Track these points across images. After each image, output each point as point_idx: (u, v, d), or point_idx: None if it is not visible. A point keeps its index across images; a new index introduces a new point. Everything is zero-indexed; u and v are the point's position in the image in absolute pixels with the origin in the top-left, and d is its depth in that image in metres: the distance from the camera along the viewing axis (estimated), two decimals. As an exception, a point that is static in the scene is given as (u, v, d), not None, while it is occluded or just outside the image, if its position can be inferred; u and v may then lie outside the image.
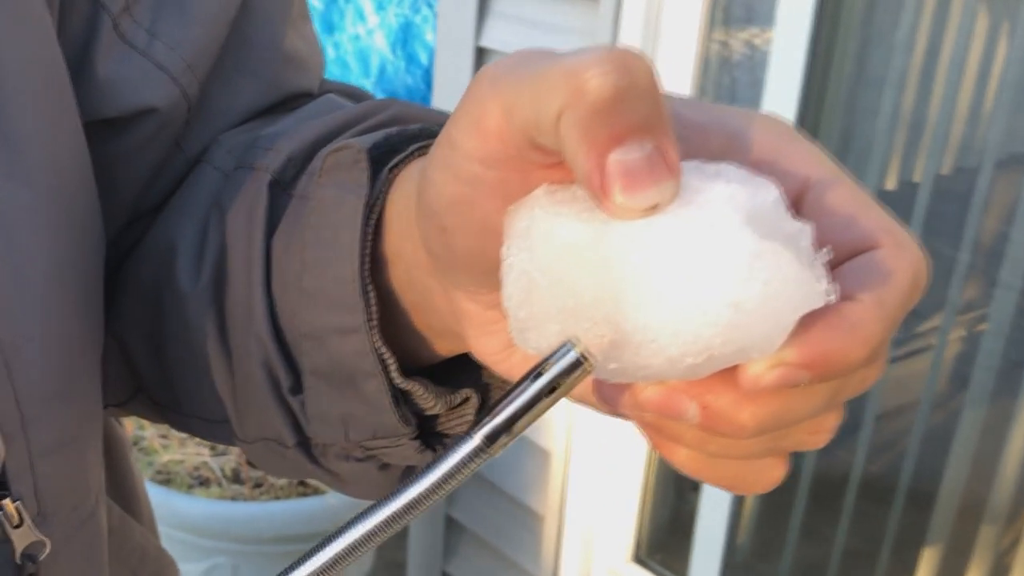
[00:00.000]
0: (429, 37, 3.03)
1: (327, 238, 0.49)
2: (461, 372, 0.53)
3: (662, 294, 0.34)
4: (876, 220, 0.36)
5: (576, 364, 0.36)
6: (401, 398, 0.50)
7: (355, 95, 0.63)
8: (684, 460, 0.39)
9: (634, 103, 0.34)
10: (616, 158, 0.33)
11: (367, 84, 3.05)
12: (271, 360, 0.52)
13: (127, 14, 0.54)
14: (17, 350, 0.47)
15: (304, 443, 0.54)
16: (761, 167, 0.37)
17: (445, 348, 0.51)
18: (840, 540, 2.00)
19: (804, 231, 0.35)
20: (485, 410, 0.37)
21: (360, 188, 0.48)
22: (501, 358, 0.45)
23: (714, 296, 0.33)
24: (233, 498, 2.09)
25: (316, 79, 0.63)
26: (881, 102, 1.77)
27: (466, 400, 0.52)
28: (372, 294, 0.48)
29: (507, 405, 0.36)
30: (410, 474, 0.53)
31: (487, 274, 0.40)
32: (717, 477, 0.39)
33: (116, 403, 0.63)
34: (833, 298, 0.34)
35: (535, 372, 0.36)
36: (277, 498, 2.06)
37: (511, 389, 0.36)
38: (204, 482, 2.15)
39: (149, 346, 0.58)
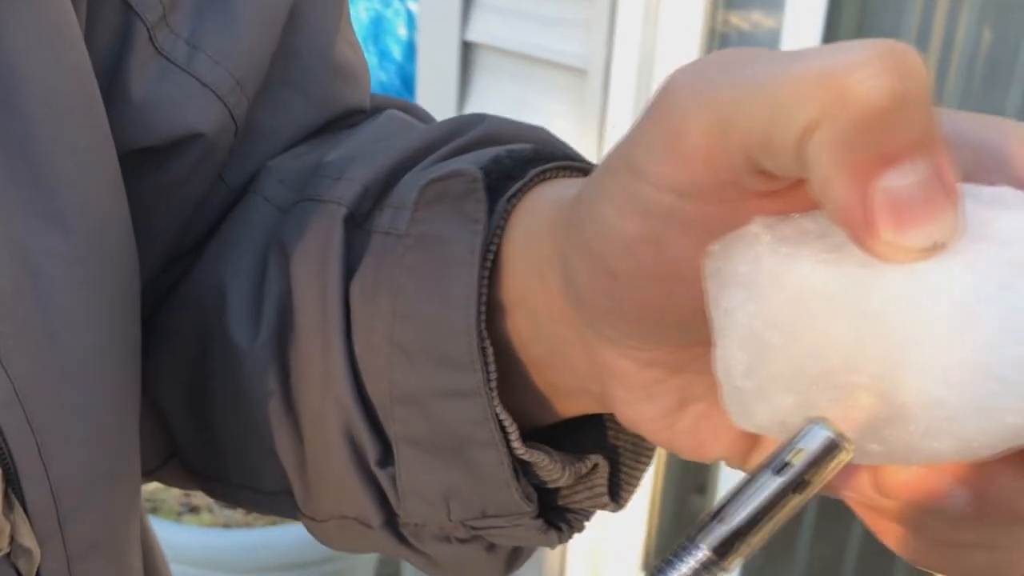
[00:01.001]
0: (401, 31, 2.96)
1: (431, 283, 0.41)
2: (577, 431, 0.45)
3: (966, 359, 0.27)
4: None
5: (831, 448, 0.29)
6: (520, 470, 0.42)
7: (411, 110, 0.54)
8: (919, 551, 0.33)
9: (910, 114, 0.27)
10: (885, 185, 0.27)
11: (340, 83, 2.96)
12: (354, 428, 0.44)
13: (164, 23, 0.45)
14: (52, 433, 0.39)
15: (392, 522, 0.46)
16: None
17: (570, 409, 0.43)
18: (854, 540, 1.96)
19: None
20: (707, 514, 0.30)
21: (475, 224, 0.40)
22: (662, 426, 0.38)
23: None
24: (226, 525, 1.99)
25: (366, 92, 0.55)
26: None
27: (594, 467, 0.44)
28: (490, 350, 0.40)
29: (742, 505, 0.29)
30: (519, 556, 0.45)
31: (662, 328, 0.34)
32: (961, 568, 0.34)
33: (144, 471, 0.54)
34: None
35: (777, 461, 0.29)
36: (274, 523, 1.97)
37: (743, 483, 0.30)
38: (194, 509, 2.05)
39: (189, 407, 0.50)
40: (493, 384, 0.40)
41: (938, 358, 0.27)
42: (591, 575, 2.10)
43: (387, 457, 0.44)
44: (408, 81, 2.89)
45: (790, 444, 0.29)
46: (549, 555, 2.12)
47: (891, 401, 0.28)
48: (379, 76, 3.00)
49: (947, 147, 0.27)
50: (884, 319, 0.28)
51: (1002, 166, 0.31)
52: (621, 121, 1.67)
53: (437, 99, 1.98)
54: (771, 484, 0.29)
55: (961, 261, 0.27)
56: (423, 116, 0.53)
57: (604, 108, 1.68)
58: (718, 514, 0.30)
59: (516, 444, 0.41)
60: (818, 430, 0.29)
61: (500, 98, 1.83)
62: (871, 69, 0.26)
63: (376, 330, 0.43)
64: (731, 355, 0.31)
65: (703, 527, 0.30)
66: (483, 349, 0.40)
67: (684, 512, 2.15)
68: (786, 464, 0.29)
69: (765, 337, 0.30)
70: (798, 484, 0.29)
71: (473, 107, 1.87)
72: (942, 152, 0.27)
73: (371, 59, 2.99)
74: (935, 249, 0.27)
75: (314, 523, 0.49)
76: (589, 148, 1.71)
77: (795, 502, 0.29)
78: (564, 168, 0.42)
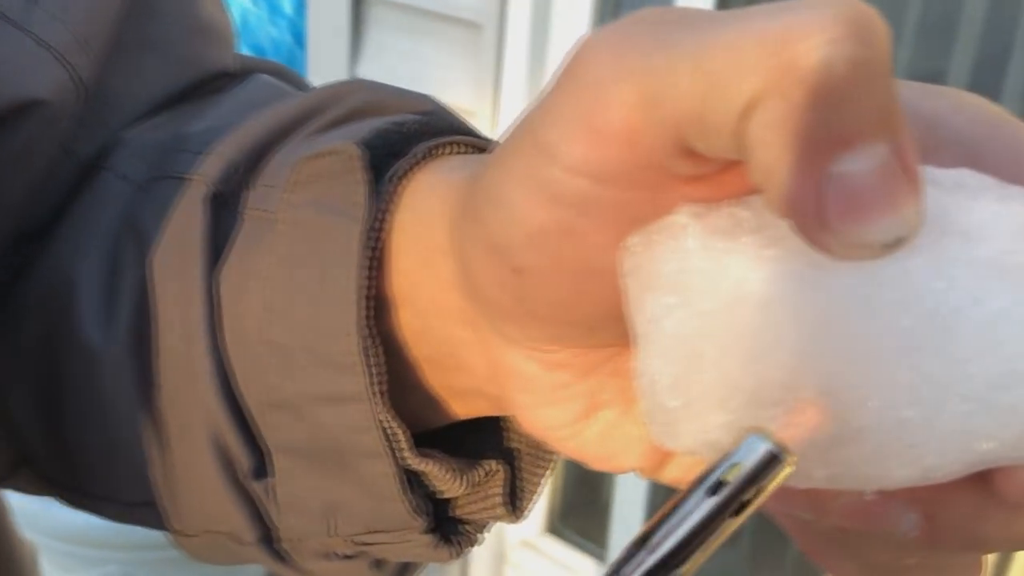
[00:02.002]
0: (292, -16, 2.86)
1: (307, 276, 0.36)
2: (475, 431, 0.41)
3: (934, 376, 0.24)
4: None
5: (771, 461, 0.25)
6: (411, 480, 0.37)
7: (283, 74, 0.49)
8: (855, 575, 0.30)
9: (870, 88, 0.23)
10: (839, 171, 0.23)
11: (228, 38, 2.86)
12: (224, 435, 0.39)
13: None
14: None
15: (268, 538, 0.41)
16: (983, 168, 0.27)
17: (463, 411, 0.39)
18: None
19: None
20: (634, 541, 0.26)
21: (355, 207, 0.35)
22: (568, 434, 0.34)
23: None
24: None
25: (231, 53, 0.49)
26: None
27: (491, 474, 0.40)
28: (377, 351, 0.35)
29: (673, 530, 0.25)
30: (407, 572, 0.41)
31: (572, 328, 0.30)
32: None
33: None
34: None
35: (711, 479, 0.25)
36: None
37: (673, 504, 0.26)
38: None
39: (42, 414, 0.45)
40: (379, 388, 0.36)
41: (901, 374, 0.24)
42: (496, 539, 2.07)
43: (262, 468, 0.39)
44: (301, 37, 2.80)
45: (725, 459, 0.26)
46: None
47: (843, 421, 0.25)
48: (270, 32, 2.90)
49: (907, 126, 0.24)
50: (836, 328, 0.24)
51: (956, 142, 0.27)
52: (516, 76, 1.63)
53: (329, 56, 1.91)
54: (704, 506, 0.25)
55: (926, 261, 0.24)
56: (296, 81, 0.48)
57: (499, 63, 1.63)
58: (645, 541, 0.26)
59: (406, 453, 0.37)
60: (757, 442, 0.25)
61: (394, 54, 1.77)
62: (827, 34, 0.23)
63: (246, 327, 0.38)
64: (655, 367, 0.27)
65: (629, 558, 0.26)
66: (367, 350, 0.35)
67: (587, 472, 2.12)
68: (721, 482, 0.25)
69: (695, 347, 0.26)
70: (735, 505, 0.25)
71: (366, 64, 1.81)
72: (903, 132, 0.23)
73: (261, 14, 2.89)
74: (896, 246, 0.23)
75: (183, 538, 0.44)
76: (484, 104, 1.66)
77: (732, 525, 0.26)
78: (456, 143, 0.37)
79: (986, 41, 1.35)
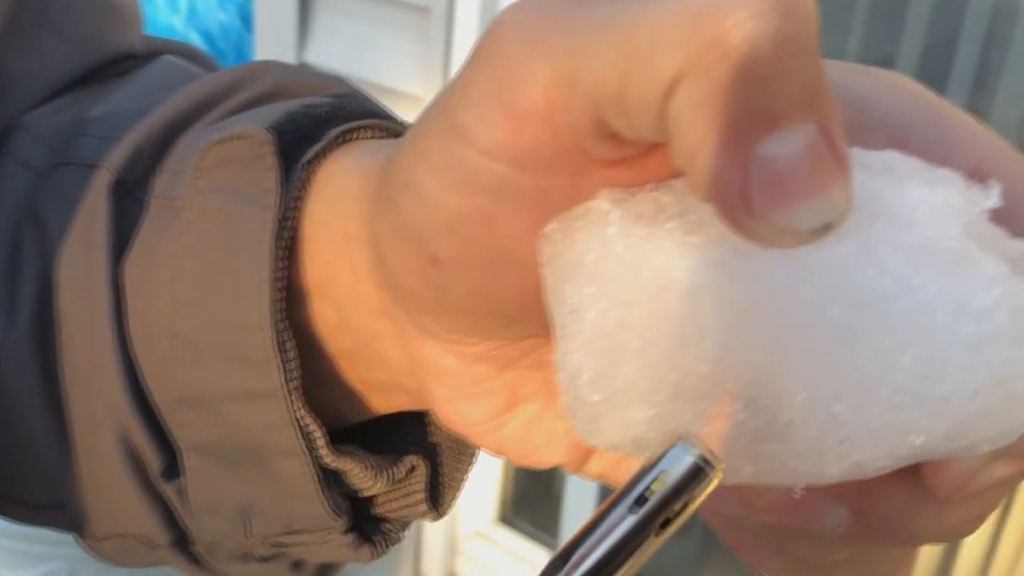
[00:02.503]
0: (241, -33, 2.83)
1: (217, 267, 0.34)
2: (395, 425, 0.39)
3: (865, 368, 0.23)
4: None
5: (697, 473, 0.24)
6: (329, 479, 0.36)
7: (193, 55, 0.47)
8: (782, 570, 0.29)
9: (797, 65, 0.22)
10: (765, 152, 0.22)
11: (175, 22, 2.81)
12: (132, 434, 0.37)
13: None
14: None
15: (182, 540, 0.39)
16: (911, 150, 0.26)
17: (386, 405, 0.37)
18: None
19: None
20: (556, 556, 0.24)
21: (265, 195, 0.33)
22: (489, 429, 0.32)
23: (965, 373, 0.23)
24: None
25: (138, 33, 0.47)
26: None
27: (412, 471, 0.38)
28: (290, 344, 0.33)
29: (595, 546, 0.24)
30: (328, 573, 0.39)
31: (491, 320, 0.29)
32: None
33: None
34: None
35: (634, 492, 0.24)
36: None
37: (595, 518, 0.24)
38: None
39: None
40: (294, 384, 0.34)
41: (830, 366, 0.23)
42: (449, 529, 2.06)
43: (173, 468, 0.37)
44: (250, 22, 2.76)
45: (648, 470, 0.24)
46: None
47: (771, 415, 0.24)
48: (219, 17, 2.86)
49: (836, 106, 0.22)
50: (763, 318, 0.23)
51: (885, 124, 0.26)
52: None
53: (276, 41, 1.88)
54: (628, 520, 0.24)
55: (855, 247, 0.23)
56: (207, 63, 0.46)
57: (448, 47, 1.61)
58: (566, 558, 0.24)
59: (323, 451, 0.35)
60: (681, 452, 0.24)
61: (342, 38, 1.74)
62: (753, 8, 0.21)
63: (153, 320, 0.36)
64: (576, 360, 0.26)
65: (551, 573, 0.25)
66: (282, 344, 0.34)
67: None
68: (645, 495, 0.24)
69: (617, 338, 0.25)
70: (661, 520, 0.24)
71: (314, 48, 1.78)
72: (832, 112, 0.22)
73: (209, -2, 2.85)
74: (824, 231, 0.22)
75: (93, 541, 0.42)
76: (433, 89, 1.64)
77: (658, 540, 0.24)
78: (371, 128, 0.35)
79: (935, 27, 1.35)
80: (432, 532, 2.06)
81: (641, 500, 0.24)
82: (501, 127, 0.25)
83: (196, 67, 0.44)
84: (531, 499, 2.09)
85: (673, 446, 0.24)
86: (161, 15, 2.84)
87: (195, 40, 2.80)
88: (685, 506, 0.24)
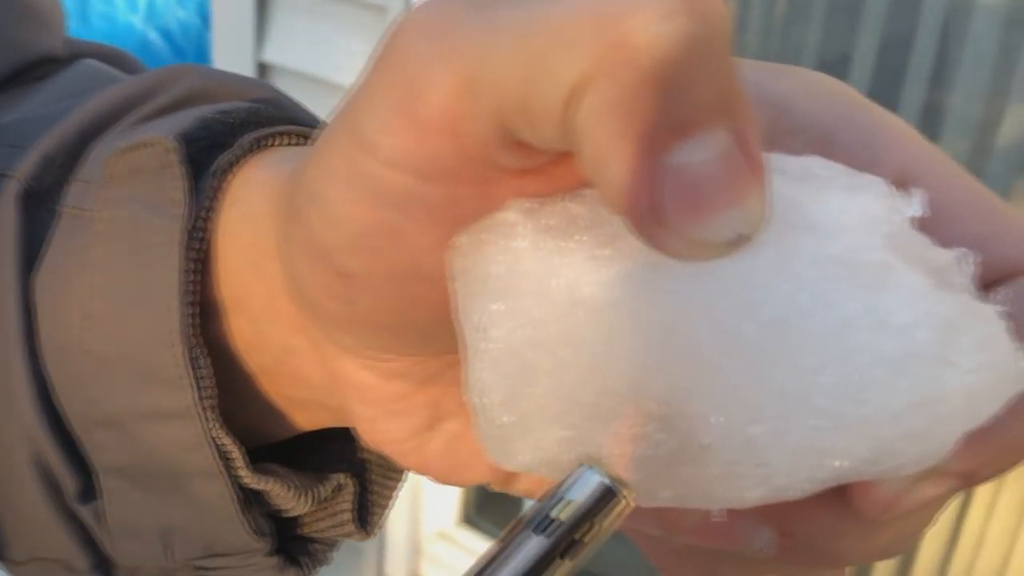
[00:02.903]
0: (200, -35, 2.80)
1: (125, 280, 0.33)
2: (325, 442, 0.38)
3: (783, 389, 0.22)
4: (1018, 231, 0.25)
5: (606, 497, 0.23)
6: (251, 500, 0.34)
7: (116, 59, 0.45)
8: None
9: (708, 68, 0.21)
10: (676, 161, 0.20)
11: (134, 20, 2.78)
12: (45, 455, 0.36)
13: None
14: None
15: (103, 566, 0.38)
16: (834, 155, 0.25)
17: (306, 423, 0.36)
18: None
19: (961, 263, 0.23)
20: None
21: (174, 205, 0.32)
22: (411, 447, 0.31)
23: (887, 393, 0.22)
24: None
25: (59, 36, 0.45)
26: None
27: (338, 489, 0.37)
28: (204, 362, 0.32)
29: (498, 569, 0.23)
30: None
31: (406, 335, 0.28)
32: None
33: None
34: None
35: (539, 517, 0.23)
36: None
37: (498, 545, 0.23)
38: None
39: None
40: (210, 403, 0.33)
41: (746, 387, 0.22)
42: (412, 530, 2.05)
43: (90, 490, 0.36)
44: (209, 19, 2.74)
45: (555, 495, 0.23)
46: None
47: (687, 438, 0.23)
48: (178, 14, 2.83)
49: (751, 110, 0.21)
50: (677, 336, 0.22)
51: (806, 127, 0.25)
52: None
53: (234, 39, 1.86)
54: (533, 547, 0.23)
55: (771, 259, 0.22)
56: (131, 66, 0.44)
57: (406, 47, 1.60)
58: None
59: (242, 472, 0.34)
60: (590, 475, 0.23)
61: (299, 37, 1.72)
62: (659, 9, 0.20)
63: (65, 336, 0.34)
64: (485, 381, 0.25)
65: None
66: (195, 360, 0.32)
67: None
68: (551, 520, 0.23)
69: (527, 358, 0.24)
70: (567, 545, 0.23)
71: (271, 47, 1.76)
72: (746, 116, 0.21)
73: (170, -6, 2.82)
74: (739, 243, 0.21)
75: (12, 565, 0.40)
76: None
77: (565, 568, 0.23)
78: (289, 134, 0.34)
79: (892, 23, 1.34)
80: (395, 533, 2.04)
81: (547, 524, 0.23)
82: (404, 137, 0.24)
83: (118, 71, 0.43)
84: (494, 499, 2.08)
85: (581, 469, 0.23)
86: (120, 14, 2.81)
87: (154, 38, 2.77)
88: (592, 531, 0.23)
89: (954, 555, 1.47)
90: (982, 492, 1.40)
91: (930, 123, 1.34)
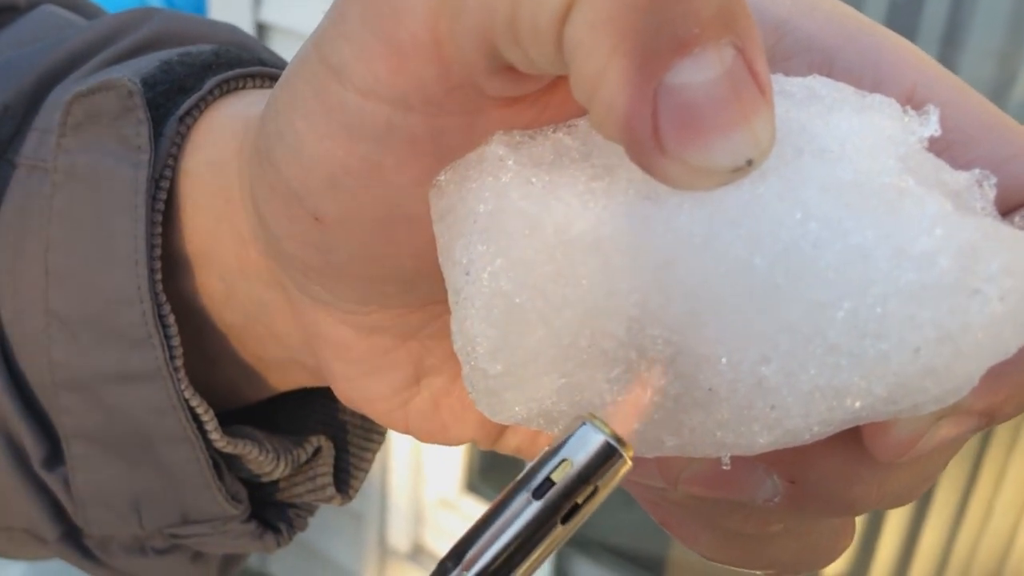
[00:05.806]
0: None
1: (87, 233, 0.31)
2: (302, 404, 0.36)
3: (794, 326, 0.20)
4: None
5: (606, 455, 0.21)
6: (225, 464, 0.33)
7: (77, 5, 0.43)
8: (716, 546, 0.27)
9: None
10: (677, 81, 0.19)
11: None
12: (9, 420, 0.34)
13: None
14: None
15: (73, 534, 0.36)
16: (837, 77, 0.23)
17: (281, 383, 0.34)
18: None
19: (982, 185, 0.22)
20: (447, 555, 0.22)
21: (137, 152, 0.30)
22: (393, 405, 0.30)
23: (906, 327, 0.20)
24: None
25: None
26: None
27: (317, 453, 0.35)
28: (171, 319, 0.30)
29: (493, 541, 0.21)
30: (234, 562, 0.36)
31: (386, 284, 0.26)
32: (767, 561, 0.27)
33: None
34: None
35: (536, 478, 0.21)
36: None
37: (494, 508, 0.22)
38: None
39: None
40: (178, 363, 0.31)
41: (756, 325, 0.20)
42: (413, 497, 2.04)
43: (56, 457, 0.34)
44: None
45: (552, 453, 0.21)
46: (369, 479, 2.04)
47: (692, 382, 0.21)
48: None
49: (755, 25, 0.19)
50: (679, 272, 0.20)
51: (808, 48, 0.23)
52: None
53: (231, 4, 1.83)
54: (529, 511, 0.21)
55: (779, 187, 0.20)
56: (90, 12, 0.42)
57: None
58: (460, 554, 0.21)
59: (214, 435, 0.32)
60: (589, 432, 0.21)
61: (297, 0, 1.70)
62: None
63: (26, 295, 0.32)
64: (473, 328, 0.23)
65: (442, 574, 0.22)
66: (162, 319, 0.30)
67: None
68: (548, 482, 0.21)
69: (517, 302, 0.22)
70: (565, 509, 0.21)
71: (269, 7, 1.74)
72: (750, 32, 0.19)
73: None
74: (745, 170, 0.19)
75: None
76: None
77: (565, 531, 0.21)
78: (257, 76, 0.32)
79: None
80: (397, 502, 2.03)
81: (545, 487, 0.21)
82: (382, 63, 0.22)
83: (78, 17, 0.40)
84: (498, 465, 2.07)
85: (579, 425, 0.21)
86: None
87: None
88: (595, 492, 0.21)
89: (960, 527, 1.45)
90: (990, 462, 1.39)
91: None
